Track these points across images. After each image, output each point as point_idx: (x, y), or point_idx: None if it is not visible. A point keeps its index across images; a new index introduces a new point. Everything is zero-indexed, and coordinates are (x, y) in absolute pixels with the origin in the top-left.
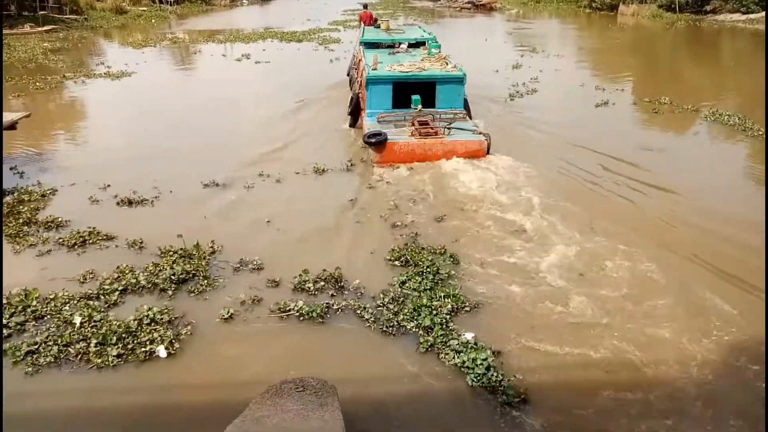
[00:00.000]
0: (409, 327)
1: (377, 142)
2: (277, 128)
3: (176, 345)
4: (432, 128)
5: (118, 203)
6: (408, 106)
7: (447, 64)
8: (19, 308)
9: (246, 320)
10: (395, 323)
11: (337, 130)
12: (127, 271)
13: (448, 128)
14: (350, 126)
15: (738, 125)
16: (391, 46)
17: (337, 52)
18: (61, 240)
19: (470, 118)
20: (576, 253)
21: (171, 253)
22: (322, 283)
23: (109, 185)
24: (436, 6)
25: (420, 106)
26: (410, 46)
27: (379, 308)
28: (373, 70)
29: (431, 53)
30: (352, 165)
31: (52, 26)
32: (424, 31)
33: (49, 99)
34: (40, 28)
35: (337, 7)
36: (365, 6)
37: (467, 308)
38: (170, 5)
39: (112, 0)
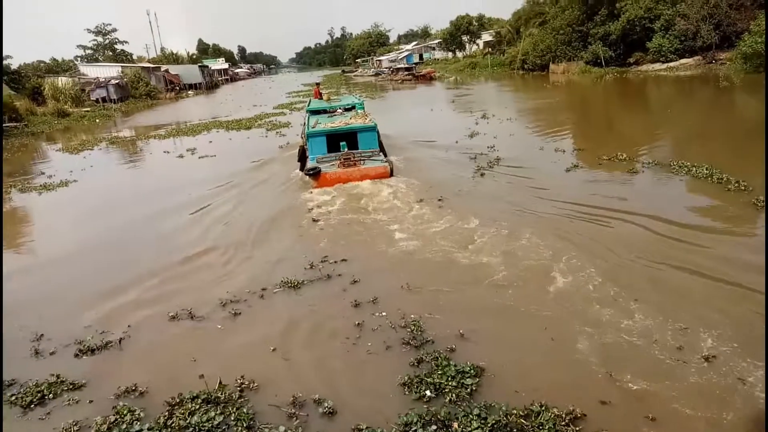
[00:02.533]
0: None
1: (314, 173)
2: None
3: None
4: (352, 161)
5: (76, 354)
6: (339, 150)
7: (366, 118)
8: None
9: None
10: None
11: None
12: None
13: (362, 161)
14: (300, 170)
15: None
16: (332, 111)
17: (289, 137)
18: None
19: (385, 154)
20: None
21: (187, 400)
22: None
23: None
24: (378, 80)
25: (346, 149)
26: (346, 110)
27: None
28: (312, 128)
29: (357, 113)
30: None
31: None
32: (355, 98)
33: None
34: None
35: (281, 90)
36: (318, 84)
37: None
38: (114, 103)
39: (53, 104)
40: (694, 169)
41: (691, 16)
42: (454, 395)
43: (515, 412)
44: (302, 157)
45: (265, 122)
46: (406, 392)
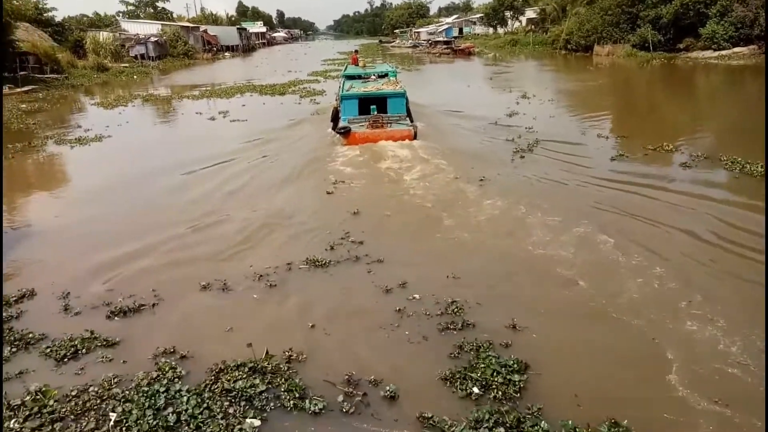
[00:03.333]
0: None
1: (345, 132)
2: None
3: None
4: (380, 123)
5: (108, 315)
6: (369, 113)
7: (396, 85)
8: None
9: None
10: None
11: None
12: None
13: (389, 123)
14: (332, 129)
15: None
16: (366, 78)
17: (322, 103)
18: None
19: (411, 119)
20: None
21: (232, 368)
22: None
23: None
24: (415, 53)
25: (376, 112)
26: (379, 77)
27: None
28: (346, 91)
29: (389, 80)
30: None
31: (32, 86)
32: (389, 66)
33: (7, 170)
34: (18, 89)
35: (316, 57)
36: (356, 51)
37: None
38: (152, 60)
39: (93, 58)
40: (748, 166)
41: (750, 1)
42: (500, 392)
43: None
44: (335, 118)
45: (299, 89)
46: (448, 387)
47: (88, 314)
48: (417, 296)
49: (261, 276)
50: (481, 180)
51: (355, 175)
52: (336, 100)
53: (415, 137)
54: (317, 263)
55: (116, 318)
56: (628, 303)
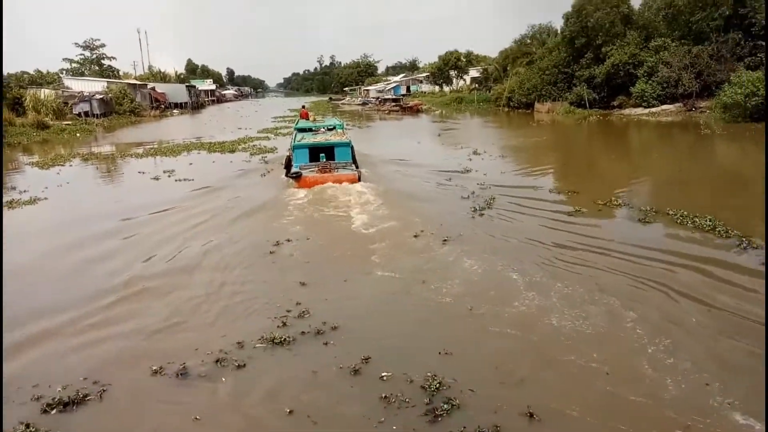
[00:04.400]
0: None
1: (296, 176)
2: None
3: None
4: (328, 168)
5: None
6: (319, 160)
7: (343, 136)
8: None
9: None
10: None
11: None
12: None
13: (336, 169)
14: (285, 175)
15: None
16: (316, 130)
17: (270, 166)
18: None
19: (357, 166)
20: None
21: None
22: None
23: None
24: (365, 110)
25: (325, 159)
26: (328, 129)
27: None
28: (297, 141)
29: (337, 132)
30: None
31: None
32: (336, 120)
33: None
34: None
35: (266, 115)
36: (303, 106)
37: None
38: (97, 117)
39: (33, 116)
40: (697, 220)
41: (673, 64)
42: None
43: None
44: (288, 165)
45: (249, 146)
46: None
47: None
48: (387, 375)
49: (219, 359)
50: (445, 240)
51: (301, 231)
52: (289, 149)
53: (359, 180)
54: (275, 341)
55: (53, 412)
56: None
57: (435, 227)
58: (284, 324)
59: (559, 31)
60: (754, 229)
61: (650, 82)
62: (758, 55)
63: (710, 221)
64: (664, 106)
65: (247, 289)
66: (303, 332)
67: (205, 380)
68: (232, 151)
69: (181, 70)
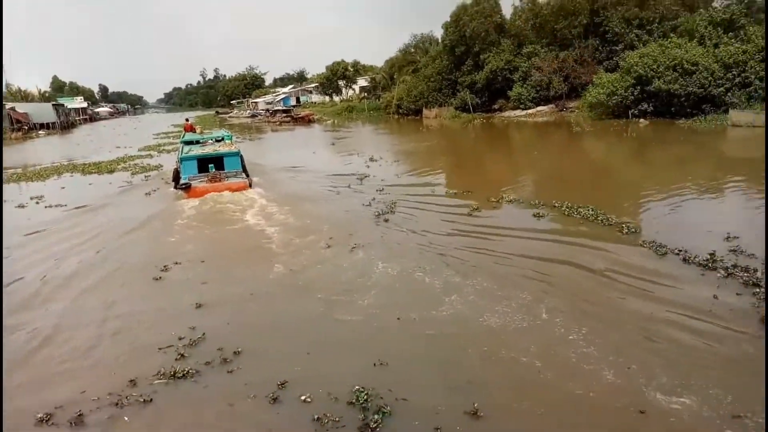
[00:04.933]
0: None
1: (185, 187)
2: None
3: None
4: (218, 178)
5: None
6: (208, 171)
7: (232, 146)
8: None
9: None
10: None
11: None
12: None
13: (227, 177)
14: (174, 188)
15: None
16: (203, 142)
17: (155, 181)
18: None
19: (247, 174)
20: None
21: None
22: None
23: None
24: (255, 122)
25: (214, 170)
26: (217, 141)
27: None
28: (184, 154)
29: (225, 142)
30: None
31: None
32: (225, 131)
33: None
34: None
35: (147, 132)
36: (187, 120)
37: None
38: None
39: None
40: (582, 210)
41: (544, 68)
42: None
43: None
44: (177, 178)
45: (130, 165)
46: None
47: None
48: (306, 396)
49: (117, 402)
50: (354, 248)
51: (195, 248)
52: (176, 162)
53: (250, 186)
54: (176, 375)
55: None
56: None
57: (342, 235)
58: (182, 356)
59: (440, 40)
60: (626, 213)
61: (525, 85)
62: (614, 58)
63: (592, 210)
64: (539, 108)
65: (135, 317)
66: (207, 362)
67: (101, 428)
68: (111, 172)
69: (47, 88)
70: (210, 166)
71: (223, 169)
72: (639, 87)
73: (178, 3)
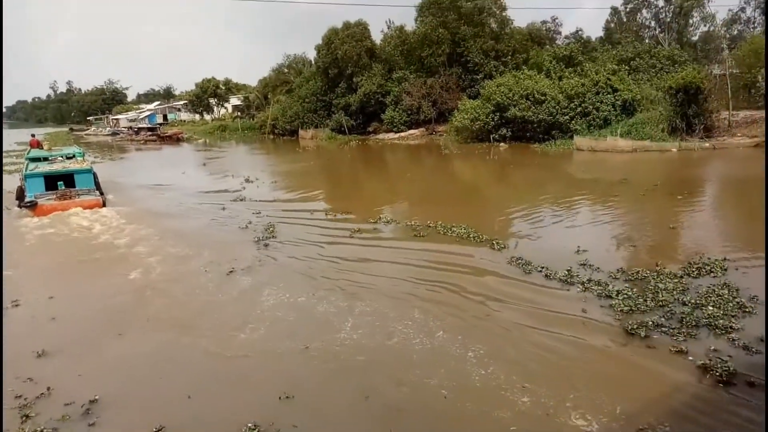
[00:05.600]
0: None
1: (31, 205)
2: None
3: None
4: (68, 195)
5: None
6: (57, 189)
7: (83, 163)
8: None
9: None
10: None
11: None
12: None
13: (78, 195)
14: (18, 206)
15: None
16: (52, 159)
17: None
18: None
19: (101, 192)
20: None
21: None
22: None
23: None
24: (116, 140)
25: (64, 187)
26: (67, 158)
27: None
28: (30, 171)
29: (77, 159)
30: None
31: None
32: (76, 148)
33: None
34: None
35: None
36: (33, 135)
37: None
38: None
39: None
40: (455, 229)
41: (413, 93)
42: None
43: None
44: (21, 196)
45: None
46: None
47: None
48: None
49: None
50: (232, 271)
51: (44, 278)
52: (20, 179)
53: (104, 205)
54: None
55: None
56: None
57: (222, 260)
58: (27, 417)
59: (313, 62)
60: (494, 230)
61: (397, 109)
62: (475, 86)
63: (464, 229)
64: (411, 131)
65: None
66: (65, 416)
67: None
68: None
69: None
70: (59, 183)
71: (74, 187)
72: (498, 113)
73: None
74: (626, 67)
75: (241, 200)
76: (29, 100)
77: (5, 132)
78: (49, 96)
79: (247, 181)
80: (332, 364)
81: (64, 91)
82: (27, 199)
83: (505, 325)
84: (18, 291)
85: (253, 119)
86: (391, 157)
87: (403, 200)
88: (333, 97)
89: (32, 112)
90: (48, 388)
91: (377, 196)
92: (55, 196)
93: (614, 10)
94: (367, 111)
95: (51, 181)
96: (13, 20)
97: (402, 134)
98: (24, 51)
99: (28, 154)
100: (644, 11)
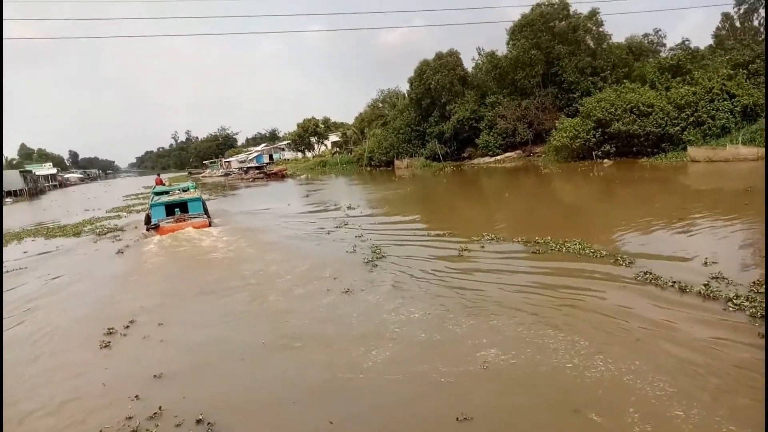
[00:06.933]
0: None
1: (155, 227)
2: None
3: None
4: (182, 219)
5: None
6: (174, 214)
7: (195, 193)
8: None
9: None
10: None
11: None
12: None
13: (190, 218)
14: (146, 229)
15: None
16: (171, 193)
17: (125, 240)
18: None
19: (208, 215)
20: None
21: None
22: None
23: None
24: (228, 180)
25: (179, 213)
26: (183, 191)
27: None
28: (155, 201)
29: (190, 191)
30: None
31: None
32: (190, 184)
33: None
34: None
35: (117, 194)
36: (158, 175)
37: None
38: None
39: None
40: (567, 244)
41: (508, 116)
42: None
43: None
44: (148, 221)
45: (97, 227)
46: None
47: None
48: None
49: None
50: (350, 290)
51: (165, 299)
52: (148, 208)
53: (210, 225)
54: None
55: None
56: None
57: (339, 281)
58: None
59: (406, 94)
60: (609, 246)
61: (492, 133)
62: (573, 105)
63: (579, 245)
64: (507, 154)
65: (83, 390)
66: None
67: None
68: (77, 234)
69: (14, 155)
70: (176, 210)
71: (188, 212)
72: (600, 129)
73: (133, 67)
74: (744, 72)
75: (345, 225)
76: (155, 149)
77: (135, 178)
78: (171, 145)
79: (348, 208)
80: (495, 383)
81: (184, 139)
82: (152, 223)
83: (680, 354)
84: (138, 304)
85: (350, 153)
86: (487, 180)
87: (505, 220)
88: (426, 126)
89: (157, 161)
90: (160, 407)
91: (477, 216)
92: (173, 220)
93: (725, 17)
94: (461, 137)
95: (170, 209)
96: (128, 82)
97: (498, 157)
98: (146, 109)
99: (153, 189)
100: (761, 10)
